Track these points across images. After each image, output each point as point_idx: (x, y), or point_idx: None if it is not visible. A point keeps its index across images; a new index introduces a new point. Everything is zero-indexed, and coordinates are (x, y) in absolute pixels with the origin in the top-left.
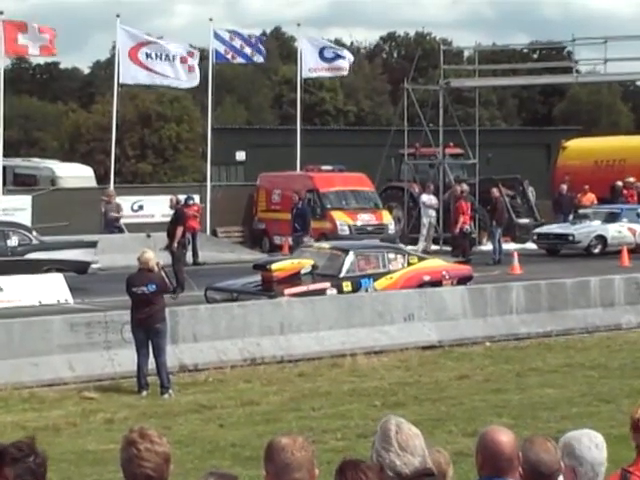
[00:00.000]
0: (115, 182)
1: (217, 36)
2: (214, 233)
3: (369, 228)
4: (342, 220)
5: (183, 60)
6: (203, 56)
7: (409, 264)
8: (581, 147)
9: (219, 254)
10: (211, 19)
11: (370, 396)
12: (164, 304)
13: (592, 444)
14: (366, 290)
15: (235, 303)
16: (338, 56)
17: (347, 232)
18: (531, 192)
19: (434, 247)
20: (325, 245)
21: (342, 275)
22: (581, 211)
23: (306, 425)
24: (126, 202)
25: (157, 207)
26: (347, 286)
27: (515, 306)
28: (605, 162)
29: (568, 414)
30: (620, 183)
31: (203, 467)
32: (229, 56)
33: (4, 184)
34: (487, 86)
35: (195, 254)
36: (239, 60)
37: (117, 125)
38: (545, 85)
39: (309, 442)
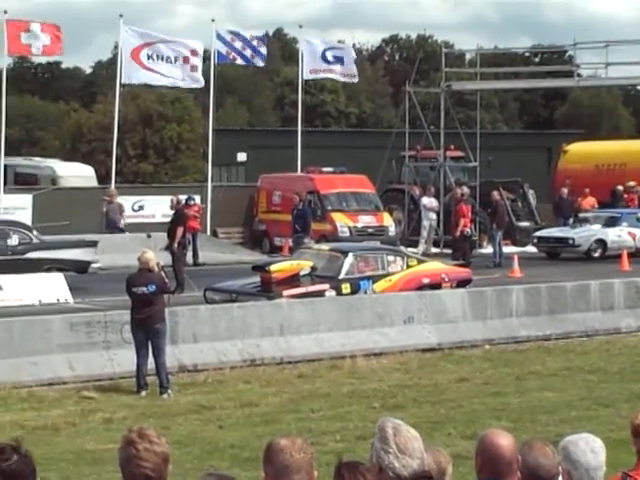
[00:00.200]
0: (116, 182)
1: (219, 37)
2: (214, 234)
3: (369, 230)
4: (342, 222)
5: (185, 60)
6: (205, 56)
7: (408, 266)
8: (582, 151)
9: (219, 255)
10: (213, 20)
11: (369, 398)
12: (164, 304)
13: (588, 448)
14: (365, 292)
15: (235, 304)
16: (341, 60)
17: (347, 234)
18: (532, 195)
19: (434, 250)
20: (324, 247)
21: (341, 277)
22: (581, 215)
23: (305, 427)
24: (127, 202)
25: (158, 207)
26: (346, 288)
27: (515, 309)
28: (606, 166)
29: (567, 418)
30: (621, 187)
31: (202, 467)
32: (231, 57)
33: (5, 183)
34: (489, 89)
35: (195, 255)
36: (240, 62)
37: (119, 125)
38: (546, 89)
39: (308, 444)
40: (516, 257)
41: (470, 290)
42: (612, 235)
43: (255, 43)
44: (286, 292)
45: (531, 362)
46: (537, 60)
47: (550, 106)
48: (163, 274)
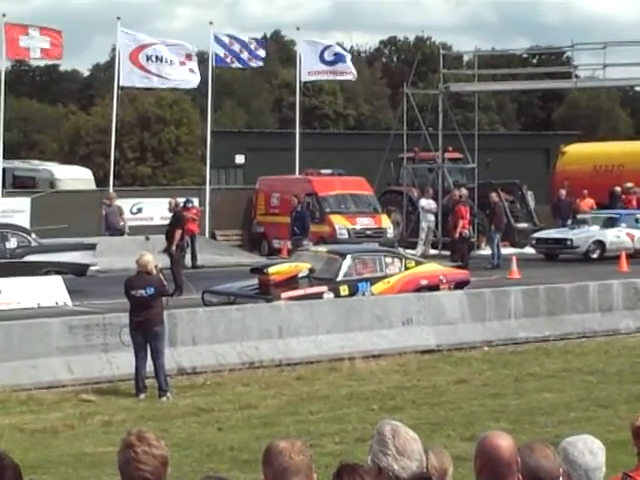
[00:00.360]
0: (114, 185)
1: (217, 40)
2: (213, 236)
3: (368, 232)
4: (341, 224)
5: (182, 63)
6: (203, 59)
7: (406, 268)
8: (580, 152)
9: (218, 257)
10: (211, 23)
11: (368, 400)
12: (162, 307)
13: (587, 449)
14: (363, 294)
15: (234, 306)
16: (339, 58)
17: (346, 236)
18: (531, 197)
19: (433, 251)
20: (322, 249)
21: (339, 279)
22: (580, 216)
23: (304, 429)
24: (125, 205)
25: (156, 210)
26: (344, 290)
27: (513, 311)
28: (604, 167)
29: (566, 419)
30: (619, 188)
31: (201, 470)
32: (228, 60)
33: (3, 186)
34: (486, 91)
35: (194, 257)
36: (237, 65)
37: (117, 128)
38: (544, 90)
39: (307, 446)
40: (514, 258)
41: (469, 292)
42: (610, 236)
43: (253, 47)
44: (284, 294)
45: (530, 363)
46: (535, 61)
47: (548, 107)
48: (161, 277)
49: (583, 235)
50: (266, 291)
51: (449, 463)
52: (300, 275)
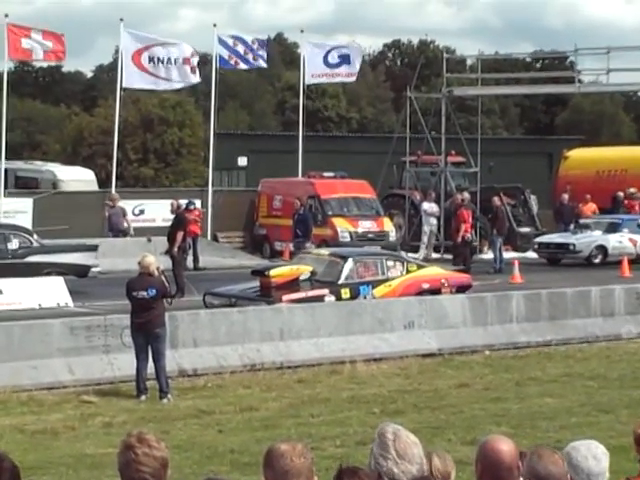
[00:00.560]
0: (117, 186)
1: (221, 41)
2: (215, 238)
3: (370, 235)
4: (343, 227)
5: (186, 61)
6: (207, 61)
7: (408, 272)
8: (583, 157)
9: (220, 259)
10: (215, 25)
11: (369, 403)
12: (164, 309)
13: (590, 454)
14: (364, 297)
15: (235, 309)
16: (343, 60)
17: (348, 239)
18: (534, 201)
19: (435, 255)
20: (324, 252)
21: (341, 282)
22: (582, 221)
23: (305, 432)
24: (127, 206)
25: (158, 211)
26: (345, 293)
27: (515, 315)
28: (607, 172)
29: (567, 424)
30: (621, 193)
31: (201, 472)
32: (232, 62)
33: (6, 187)
34: (489, 95)
35: (196, 259)
36: (242, 66)
37: (119, 129)
38: (547, 95)
39: (308, 449)
40: (516, 263)
41: (470, 296)
42: (613, 241)
43: (256, 47)
44: (285, 297)
45: (531, 368)
46: (538, 66)
47: (551, 112)
48: (163, 278)
49: (585, 240)
50: (267, 293)
51: (452, 467)
52: (302, 278)
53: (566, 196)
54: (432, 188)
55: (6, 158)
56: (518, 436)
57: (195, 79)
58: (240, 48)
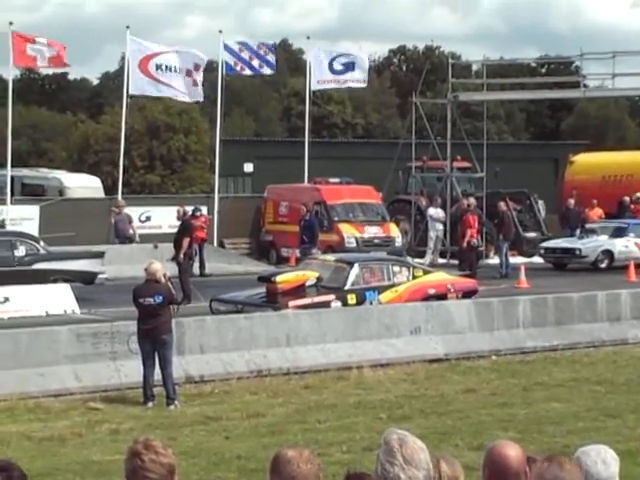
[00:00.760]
0: (123, 193)
1: (227, 48)
2: (221, 244)
3: (376, 241)
4: (349, 233)
5: (188, 74)
6: (213, 68)
7: (414, 277)
8: (589, 162)
9: (226, 265)
10: (221, 31)
11: (376, 409)
12: (171, 315)
13: (599, 459)
14: (370, 303)
15: (242, 315)
16: (348, 68)
17: (354, 245)
18: (541, 206)
19: (441, 260)
20: (330, 257)
21: (347, 288)
22: (588, 226)
23: (312, 438)
24: (134, 213)
25: (165, 218)
26: (352, 299)
27: (522, 320)
28: (613, 177)
29: (574, 429)
30: (627, 198)
31: (208, 479)
32: (238, 68)
33: (12, 194)
34: (495, 100)
35: (202, 265)
36: (247, 72)
37: (125, 136)
38: (553, 99)
39: (315, 455)
40: (523, 268)
41: (477, 301)
42: (619, 246)
43: (262, 52)
44: (292, 303)
45: (538, 373)
46: (544, 71)
47: (556, 117)
48: (170, 285)
49: (591, 245)
50: (274, 299)
51: (460, 472)
52: (308, 284)
53: (572, 201)
54: (438, 193)
55: (12, 165)
56: (525, 441)
57: (199, 97)
58: (246, 54)
